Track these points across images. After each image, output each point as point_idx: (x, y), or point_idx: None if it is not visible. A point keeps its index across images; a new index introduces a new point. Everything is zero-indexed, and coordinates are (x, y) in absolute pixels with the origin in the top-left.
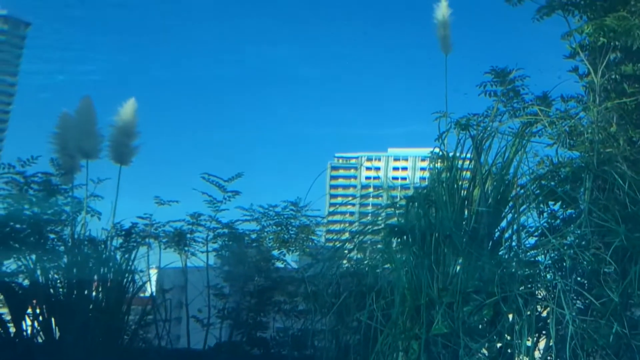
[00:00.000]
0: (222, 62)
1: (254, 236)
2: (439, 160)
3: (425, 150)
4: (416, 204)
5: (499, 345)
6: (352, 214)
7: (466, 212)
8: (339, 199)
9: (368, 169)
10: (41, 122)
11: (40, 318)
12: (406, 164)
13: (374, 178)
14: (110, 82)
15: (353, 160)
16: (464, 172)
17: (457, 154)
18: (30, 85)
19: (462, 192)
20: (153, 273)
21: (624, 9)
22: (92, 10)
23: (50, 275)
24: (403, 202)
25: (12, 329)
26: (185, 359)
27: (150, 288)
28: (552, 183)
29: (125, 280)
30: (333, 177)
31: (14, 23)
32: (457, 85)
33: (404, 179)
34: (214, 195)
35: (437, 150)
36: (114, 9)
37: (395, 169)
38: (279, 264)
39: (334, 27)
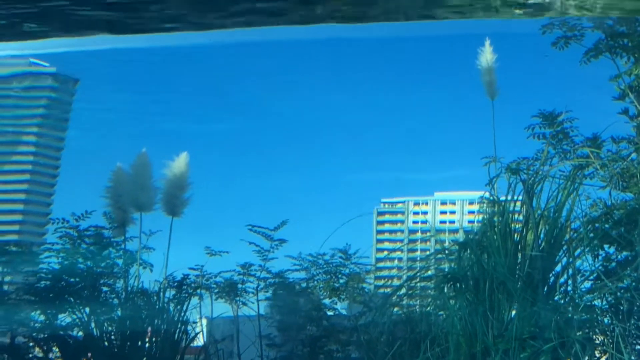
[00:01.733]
0: (270, 110)
1: (304, 285)
2: (490, 205)
3: (473, 194)
4: (468, 250)
5: None
6: (400, 259)
7: (519, 257)
8: (386, 244)
9: (415, 213)
10: (91, 175)
11: None
12: (454, 208)
13: (422, 222)
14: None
15: (399, 205)
16: (516, 216)
17: (509, 198)
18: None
19: (515, 236)
20: (205, 324)
21: None
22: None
23: (104, 328)
24: (454, 247)
25: None
26: None
27: (203, 338)
28: (606, 226)
29: (177, 331)
30: (379, 223)
31: (64, 80)
32: (505, 130)
33: (452, 222)
34: (262, 244)
35: (487, 194)
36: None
37: (443, 212)
38: (330, 313)
39: (374, 71)
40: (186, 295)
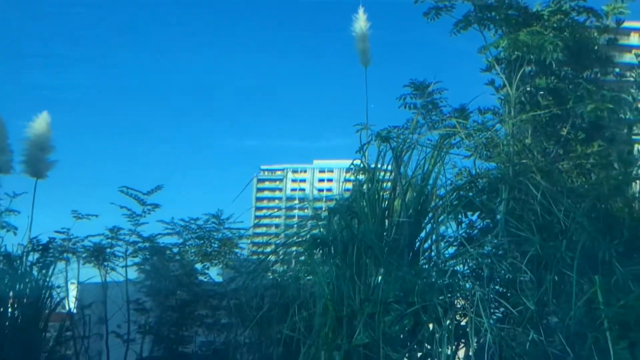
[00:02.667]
0: (142, 69)
1: (175, 250)
2: (361, 172)
3: (350, 162)
4: (338, 215)
5: (419, 354)
6: (277, 226)
7: (387, 223)
8: (265, 212)
9: (294, 181)
10: None
11: None
12: (332, 176)
13: (300, 190)
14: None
15: (279, 173)
16: (385, 184)
17: (378, 166)
18: None
19: (384, 203)
20: (72, 288)
21: (538, 24)
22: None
23: None
24: (326, 214)
25: None
26: None
27: (69, 304)
28: (470, 194)
29: (42, 296)
30: (259, 190)
31: None
32: (379, 98)
33: (329, 190)
34: (134, 209)
35: (358, 162)
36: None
37: (321, 180)
38: (202, 278)
39: (254, 37)
40: (52, 259)
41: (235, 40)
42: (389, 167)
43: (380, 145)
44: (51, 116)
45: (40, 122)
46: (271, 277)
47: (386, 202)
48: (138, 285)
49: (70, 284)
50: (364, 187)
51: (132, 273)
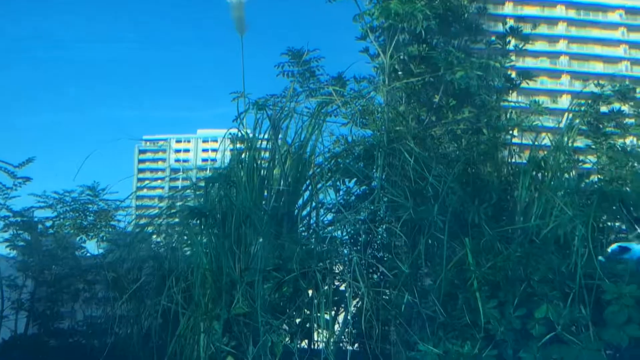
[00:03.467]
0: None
1: (49, 224)
2: (239, 142)
3: (235, 131)
4: (216, 185)
5: (298, 320)
6: (161, 198)
7: (266, 192)
8: (147, 182)
9: (177, 151)
10: None
11: None
12: (216, 146)
13: (184, 161)
14: None
15: (161, 143)
16: (264, 153)
17: (256, 135)
18: None
19: (262, 172)
20: None
21: None
22: None
23: None
24: (202, 184)
25: None
26: None
27: None
28: (347, 161)
29: None
30: (140, 161)
31: None
32: (257, 67)
33: (214, 161)
34: (3, 182)
35: (236, 131)
36: None
37: (205, 150)
38: (78, 252)
39: (131, 4)
40: None
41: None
42: (268, 136)
43: (257, 113)
44: None
45: None
46: (149, 249)
47: (265, 171)
48: (10, 261)
49: None
50: (243, 155)
51: (3, 249)
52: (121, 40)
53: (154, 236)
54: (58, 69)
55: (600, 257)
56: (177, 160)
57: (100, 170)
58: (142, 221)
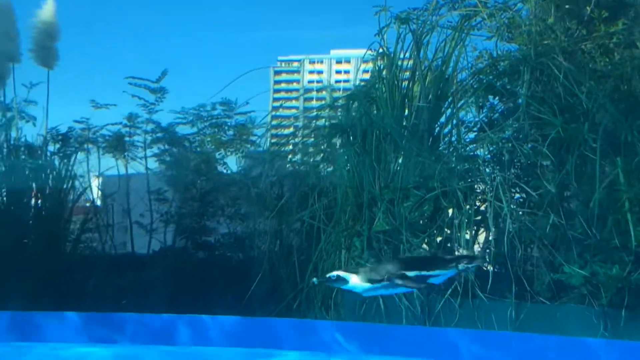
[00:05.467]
0: None
1: (191, 139)
2: (380, 58)
3: (369, 52)
4: (357, 102)
5: (438, 239)
6: (296, 117)
7: (406, 109)
8: (282, 102)
9: (311, 72)
10: None
11: None
12: (349, 67)
13: (317, 82)
14: None
15: (296, 64)
16: (405, 72)
17: (397, 50)
18: None
19: (403, 89)
20: (94, 181)
21: None
22: None
23: None
24: (344, 102)
25: None
26: (131, 263)
27: (92, 194)
28: (491, 77)
29: (65, 186)
30: (276, 82)
31: None
32: None
33: (346, 81)
34: (146, 97)
35: (377, 47)
36: None
37: (338, 72)
38: (221, 168)
39: None
40: (72, 149)
41: None
42: (408, 53)
43: (399, 27)
44: (60, 3)
45: (47, 9)
46: (289, 166)
47: (405, 88)
48: (159, 176)
49: (92, 176)
50: (383, 72)
51: (152, 164)
52: None
53: (292, 154)
54: None
55: None
56: (311, 82)
57: (237, 91)
58: (278, 141)
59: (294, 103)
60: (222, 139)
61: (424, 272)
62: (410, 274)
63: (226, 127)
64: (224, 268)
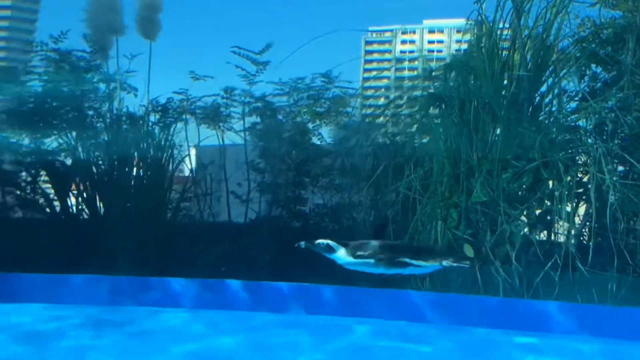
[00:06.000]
0: None
1: (287, 109)
2: (477, 26)
3: (462, 22)
4: (454, 71)
5: (538, 211)
6: (387, 88)
7: (505, 78)
8: (373, 73)
9: (403, 42)
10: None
11: (84, 195)
12: (442, 37)
13: (409, 52)
14: None
15: (387, 34)
16: (504, 35)
17: (497, 18)
18: None
19: (502, 57)
20: (191, 150)
21: None
22: None
23: (91, 153)
24: (440, 73)
25: (58, 206)
26: (227, 231)
27: (190, 164)
28: (594, 45)
29: (165, 155)
30: (367, 52)
31: None
32: None
33: (439, 51)
34: (247, 68)
35: (475, 15)
36: None
37: (431, 42)
38: (315, 139)
39: None
40: (172, 119)
41: None
42: (507, 21)
43: None
44: None
45: None
46: (384, 136)
47: (505, 57)
48: (254, 146)
49: (190, 147)
50: (482, 41)
51: (248, 134)
52: None
53: (389, 125)
54: None
55: None
56: (403, 52)
57: (329, 60)
58: (372, 111)
59: (385, 73)
60: (317, 110)
61: (407, 260)
62: (394, 258)
63: (323, 99)
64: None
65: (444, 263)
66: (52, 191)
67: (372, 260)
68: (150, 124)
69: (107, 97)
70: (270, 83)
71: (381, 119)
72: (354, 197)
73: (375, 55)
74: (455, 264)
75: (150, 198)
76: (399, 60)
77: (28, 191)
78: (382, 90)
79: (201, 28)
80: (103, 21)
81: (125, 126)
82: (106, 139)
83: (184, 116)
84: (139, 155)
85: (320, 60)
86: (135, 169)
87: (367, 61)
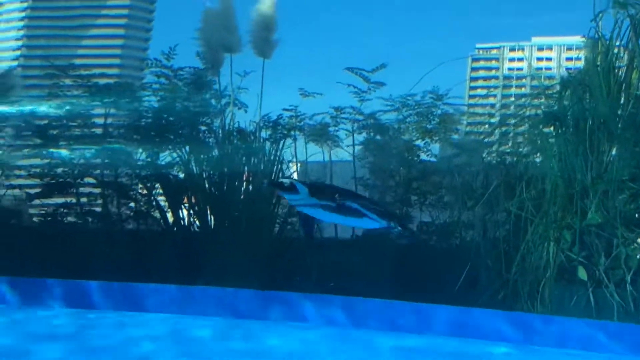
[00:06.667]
0: None
1: (396, 126)
2: (593, 43)
3: (572, 39)
4: (569, 89)
5: None
6: (492, 106)
7: (623, 97)
8: (479, 91)
9: (511, 59)
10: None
11: (196, 208)
12: (551, 54)
13: (517, 69)
14: None
15: (494, 51)
16: (621, 54)
17: (614, 36)
18: None
19: (619, 75)
20: (298, 166)
21: None
22: None
23: (203, 167)
24: (554, 91)
25: (170, 218)
26: (333, 246)
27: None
28: None
29: (274, 170)
30: (474, 69)
31: None
32: None
33: (548, 69)
34: (359, 86)
35: (592, 33)
36: None
37: (539, 59)
38: (423, 156)
39: None
40: (281, 135)
41: None
42: (625, 39)
43: (617, 13)
44: None
45: (265, 2)
46: (494, 154)
47: (622, 75)
48: (363, 162)
49: (298, 163)
50: (598, 59)
51: (356, 151)
52: None
53: (500, 142)
54: None
55: None
56: (511, 69)
57: (436, 78)
58: (481, 129)
59: (493, 91)
60: (426, 127)
61: (364, 210)
62: (350, 205)
63: (432, 116)
64: (426, 256)
65: (392, 224)
66: (166, 204)
67: (332, 204)
68: (261, 139)
69: (219, 113)
70: (380, 99)
71: (491, 137)
72: (463, 216)
73: (482, 73)
74: (399, 227)
75: (259, 212)
76: (507, 78)
77: (142, 203)
78: (488, 107)
79: (311, 47)
80: (217, 39)
81: (236, 141)
82: (217, 153)
83: (292, 132)
84: (248, 170)
85: (426, 77)
86: (245, 184)
87: (472, 79)
